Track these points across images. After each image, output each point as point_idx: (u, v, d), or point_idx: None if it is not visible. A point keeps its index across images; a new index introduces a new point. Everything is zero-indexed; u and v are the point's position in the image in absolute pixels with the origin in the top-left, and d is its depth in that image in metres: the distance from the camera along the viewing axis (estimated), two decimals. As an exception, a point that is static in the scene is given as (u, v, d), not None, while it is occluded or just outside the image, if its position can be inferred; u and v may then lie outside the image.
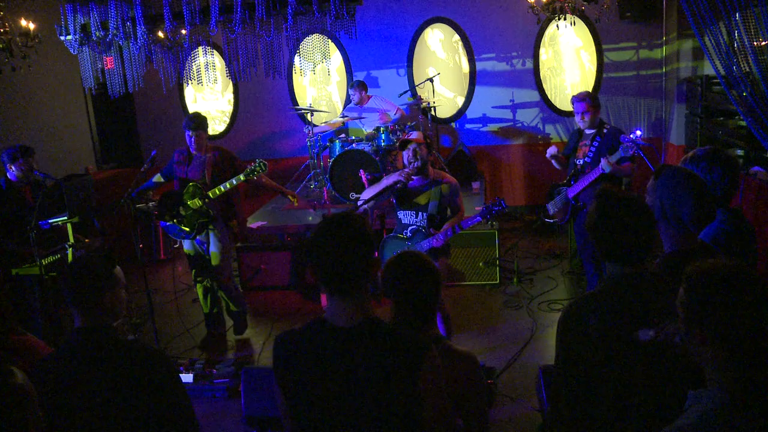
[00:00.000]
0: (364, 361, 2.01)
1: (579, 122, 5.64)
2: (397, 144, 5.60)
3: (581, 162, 5.58)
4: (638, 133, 5.02)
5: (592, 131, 5.58)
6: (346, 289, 2.08)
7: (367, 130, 8.52)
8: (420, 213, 4.85)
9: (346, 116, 8.73)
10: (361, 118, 8.70)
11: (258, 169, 5.56)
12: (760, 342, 1.60)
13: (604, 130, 5.51)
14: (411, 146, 4.83)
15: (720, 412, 1.61)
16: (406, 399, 2.01)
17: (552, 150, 5.70)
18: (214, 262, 5.88)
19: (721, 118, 6.90)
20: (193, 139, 5.69)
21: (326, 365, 2.06)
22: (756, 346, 1.60)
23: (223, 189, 5.60)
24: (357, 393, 2.03)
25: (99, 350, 2.39)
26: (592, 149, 5.49)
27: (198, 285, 6.09)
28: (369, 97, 8.69)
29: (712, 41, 4.24)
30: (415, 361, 2.00)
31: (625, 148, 5.03)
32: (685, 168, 2.77)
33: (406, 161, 4.88)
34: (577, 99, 5.61)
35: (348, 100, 9.70)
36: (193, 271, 6.06)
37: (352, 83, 8.74)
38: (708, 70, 7.20)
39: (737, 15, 4.07)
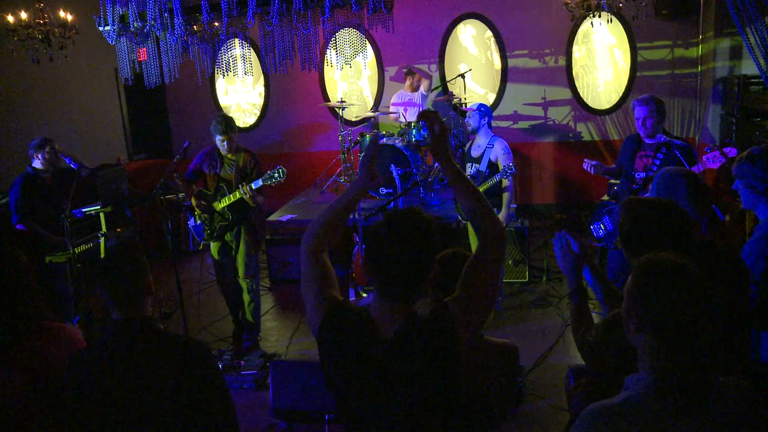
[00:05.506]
0: (407, 371, 1.98)
1: (639, 129, 4.87)
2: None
3: (642, 176, 4.84)
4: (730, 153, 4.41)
5: (654, 141, 4.84)
6: (398, 296, 2.04)
7: (410, 119, 8.50)
8: (474, 165, 5.85)
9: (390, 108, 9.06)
10: (410, 105, 8.84)
11: (276, 175, 5.26)
12: (690, 333, 1.72)
13: (672, 143, 4.76)
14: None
15: (645, 395, 1.72)
16: (450, 390, 2.02)
17: (591, 164, 5.08)
18: (243, 259, 5.69)
19: (758, 119, 6.77)
20: (225, 144, 5.47)
21: (368, 371, 2.02)
22: (686, 337, 1.72)
23: (232, 198, 5.43)
24: (400, 394, 2.00)
25: (142, 342, 2.36)
26: (657, 161, 4.77)
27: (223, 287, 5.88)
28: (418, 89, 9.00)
29: (756, 37, 4.12)
30: (457, 360, 1.99)
31: (711, 160, 4.42)
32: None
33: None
34: (638, 102, 4.84)
35: (380, 95, 9.71)
36: (218, 276, 5.88)
37: (410, 70, 9.06)
38: (746, 69, 7.06)
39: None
